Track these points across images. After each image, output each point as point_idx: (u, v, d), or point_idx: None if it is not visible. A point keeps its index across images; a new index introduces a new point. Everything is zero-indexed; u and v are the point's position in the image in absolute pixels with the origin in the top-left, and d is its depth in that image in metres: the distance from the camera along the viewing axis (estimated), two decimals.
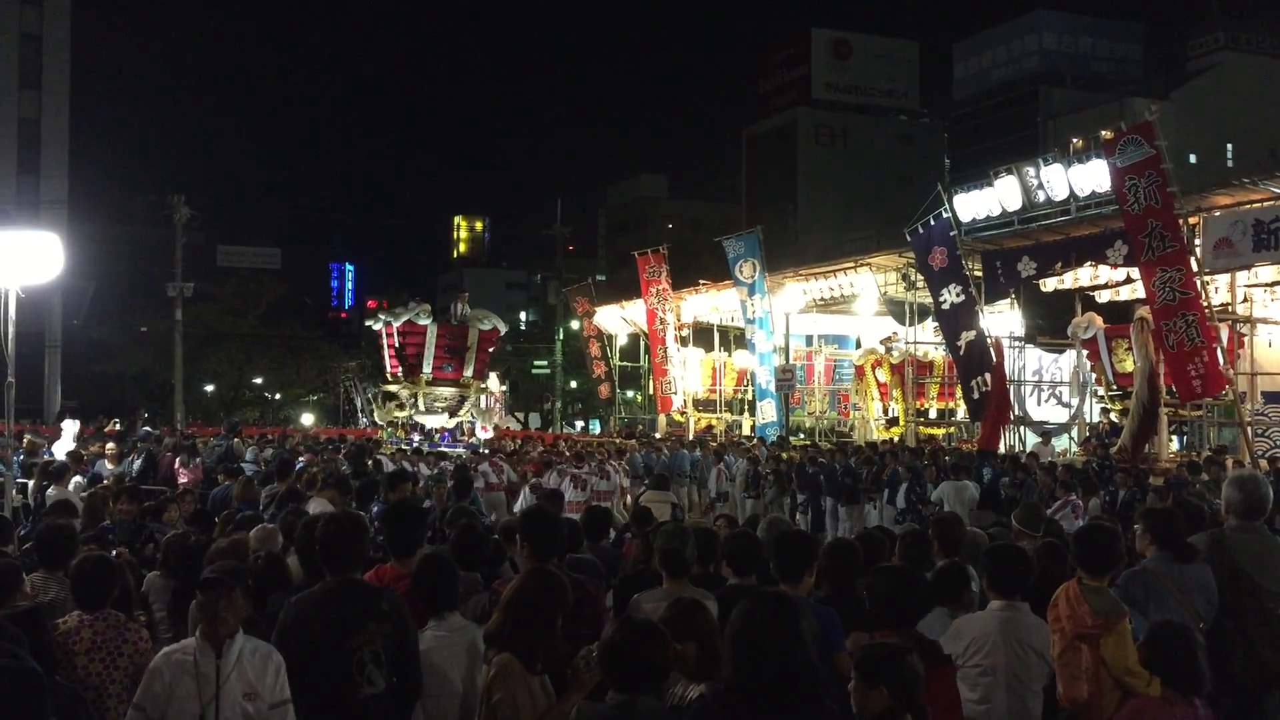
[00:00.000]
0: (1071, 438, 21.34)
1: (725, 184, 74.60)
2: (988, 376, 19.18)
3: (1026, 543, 6.20)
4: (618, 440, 25.66)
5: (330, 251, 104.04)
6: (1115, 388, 20.74)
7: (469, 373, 23.81)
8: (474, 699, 4.26)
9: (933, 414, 24.96)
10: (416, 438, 22.51)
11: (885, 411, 25.17)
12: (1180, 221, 15.84)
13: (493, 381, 29.01)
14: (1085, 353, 20.85)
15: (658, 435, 26.94)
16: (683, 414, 29.86)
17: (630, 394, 40.29)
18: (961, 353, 19.94)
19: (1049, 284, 21.53)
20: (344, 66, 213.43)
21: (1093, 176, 18.35)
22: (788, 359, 26.21)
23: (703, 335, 31.30)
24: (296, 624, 4.22)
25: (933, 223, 20.31)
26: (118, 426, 23.33)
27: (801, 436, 26.61)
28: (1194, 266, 15.83)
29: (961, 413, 23.10)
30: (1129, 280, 19.60)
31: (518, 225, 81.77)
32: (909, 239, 21.07)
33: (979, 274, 20.41)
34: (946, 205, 20.24)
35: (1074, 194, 18.86)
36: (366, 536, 4.49)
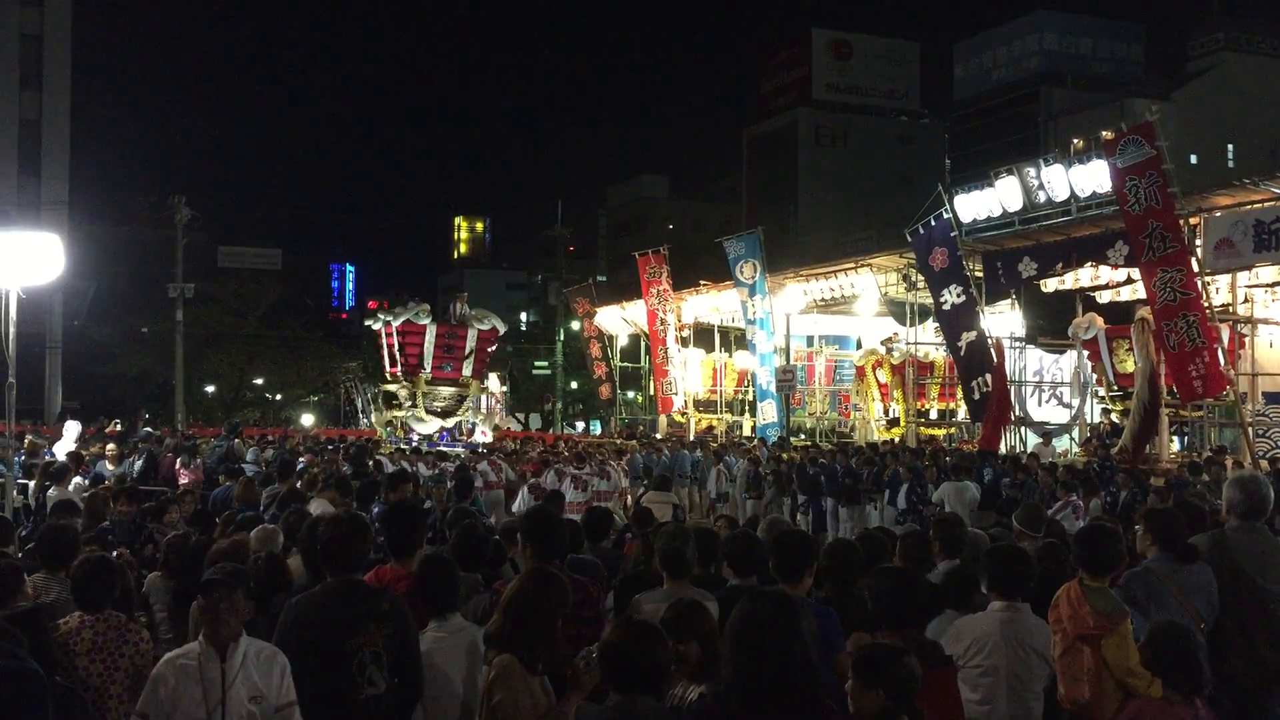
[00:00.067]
0: (1072, 438, 21.34)
1: (726, 185, 74.61)
2: (988, 377, 19.18)
3: (1027, 543, 6.20)
4: (618, 441, 25.67)
5: (331, 252, 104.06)
6: (1116, 388, 20.74)
7: (468, 372, 23.82)
8: (474, 700, 4.26)
9: (933, 414, 24.96)
10: (415, 436, 22.52)
11: (886, 412, 25.17)
12: (1181, 222, 15.85)
13: (493, 382, 29.05)
14: (1086, 353, 20.85)
15: (658, 436, 26.95)
16: (683, 415, 29.86)
17: (631, 395, 40.29)
18: (962, 353, 19.94)
19: (1050, 284, 21.53)
20: (345, 67, 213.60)
21: (1093, 177, 18.36)
22: (788, 360, 26.21)
23: (703, 336, 31.31)
24: (297, 625, 4.22)
25: (933, 223, 20.31)
26: (118, 427, 23.34)
27: (802, 437, 26.61)
28: (1195, 267, 15.83)
29: (962, 413, 23.10)
30: (1130, 281, 19.60)
31: (518, 226, 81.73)
32: (909, 239, 21.08)
33: (980, 274, 20.42)
34: (947, 206, 20.25)
35: (1075, 194, 18.87)
36: (367, 537, 4.47)
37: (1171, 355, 15.88)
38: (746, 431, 27.90)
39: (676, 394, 29.20)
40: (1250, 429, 16.71)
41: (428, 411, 23.54)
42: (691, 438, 25.88)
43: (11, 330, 9.58)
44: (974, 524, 9.37)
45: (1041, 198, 19.49)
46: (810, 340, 30.29)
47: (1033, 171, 19.69)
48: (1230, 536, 5.15)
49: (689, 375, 29.63)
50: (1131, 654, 4.27)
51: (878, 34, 72.29)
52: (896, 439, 22.41)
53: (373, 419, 26.91)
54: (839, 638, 4.39)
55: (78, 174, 43.66)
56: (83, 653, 4.55)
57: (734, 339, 30.78)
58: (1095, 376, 21.26)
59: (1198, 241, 16.46)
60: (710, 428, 29.48)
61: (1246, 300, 19.51)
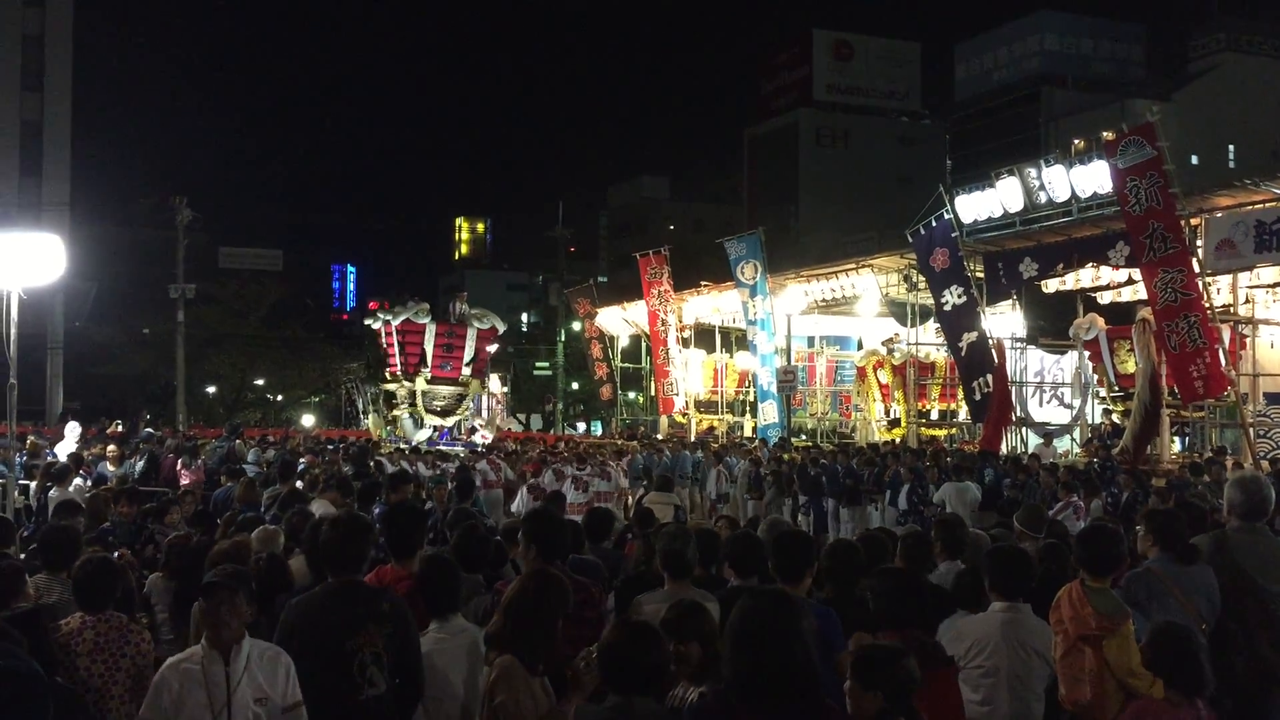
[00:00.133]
0: (1073, 439, 21.33)
1: (726, 185, 74.56)
2: (989, 378, 19.18)
3: (1029, 544, 6.20)
4: (620, 442, 25.67)
5: (332, 253, 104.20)
6: (1117, 389, 20.73)
7: (467, 371, 23.83)
8: (475, 701, 4.26)
9: (934, 415, 24.94)
10: (414, 437, 22.53)
11: (887, 413, 25.16)
12: (1182, 223, 15.85)
13: (494, 383, 29.06)
14: (1087, 354, 20.84)
15: (659, 437, 26.95)
16: (684, 415, 29.86)
17: (632, 395, 40.29)
18: (963, 354, 19.94)
19: (1051, 285, 21.53)
20: (346, 68, 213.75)
21: (1094, 178, 18.36)
22: (789, 360, 26.20)
23: (704, 337, 31.31)
24: (297, 625, 4.22)
25: (934, 224, 20.31)
26: (120, 428, 23.36)
27: (803, 438, 26.59)
28: (1196, 267, 15.83)
29: (963, 414, 23.10)
30: (1131, 281, 19.60)
31: (519, 227, 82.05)
32: (910, 240, 21.08)
33: (980, 275, 20.42)
34: (948, 206, 20.25)
35: (1075, 195, 18.87)
36: (368, 538, 4.46)
37: (1173, 356, 15.87)
38: (748, 432, 27.90)
39: (677, 395, 29.20)
40: (1251, 429, 16.70)
41: (427, 411, 23.54)
42: (692, 438, 25.88)
43: (13, 331, 9.59)
44: (975, 525, 9.37)
45: (1042, 198, 19.49)
46: (811, 341, 30.29)
47: (1034, 172, 19.69)
48: (1231, 537, 5.15)
49: (690, 376, 29.63)
50: (1133, 655, 4.27)
51: (879, 35, 72.29)
52: (897, 440, 22.39)
53: (369, 421, 26.88)
54: (839, 638, 4.39)
55: (79, 175, 43.79)
56: (84, 653, 4.55)
57: (735, 340, 30.78)
58: (1096, 377, 21.25)
59: (1199, 242, 16.46)
60: (711, 428, 29.47)
61: (1248, 301, 19.51)
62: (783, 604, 3.22)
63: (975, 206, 20.70)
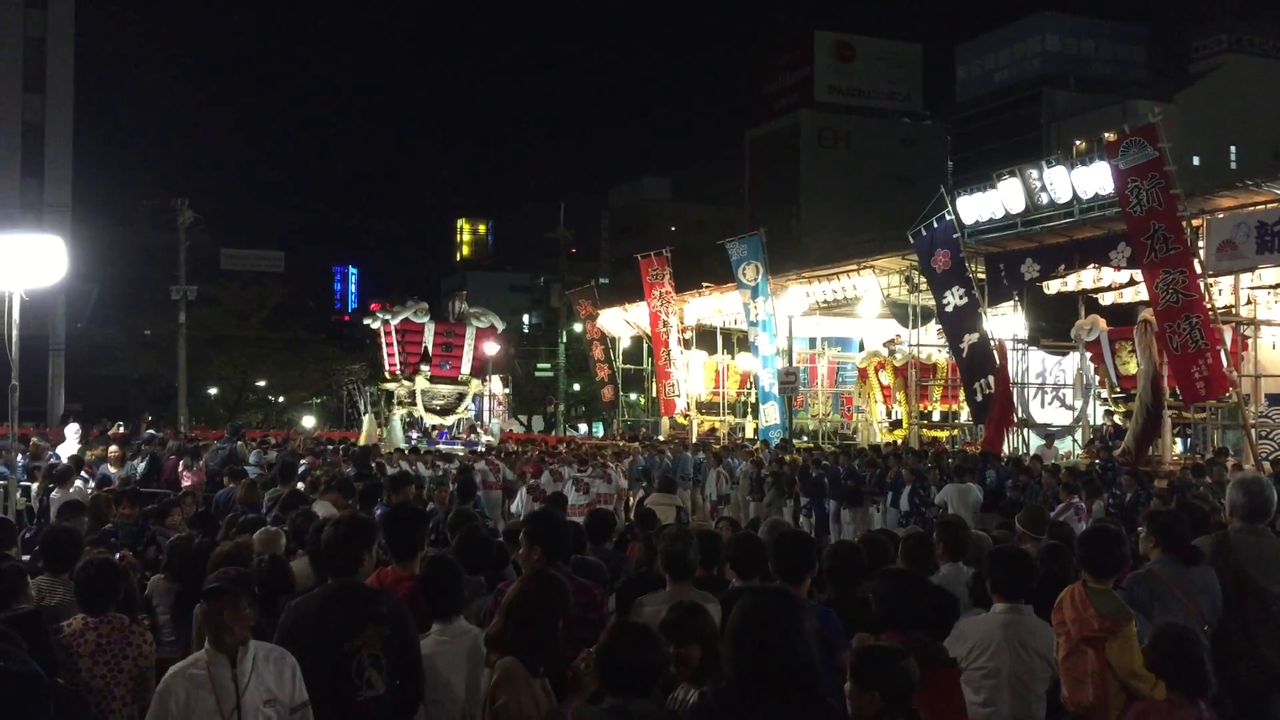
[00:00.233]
0: (1075, 440, 21.31)
1: (728, 187, 74.56)
2: (991, 379, 19.17)
3: (1030, 545, 6.19)
4: (621, 443, 25.68)
5: (333, 254, 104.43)
6: (1119, 390, 20.72)
7: (466, 370, 23.84)
8: (476, 702, 4.25)
9: (936, 416, 24.94)
10: (414, 435, 22.55)
11: (888, 414, 25.15)
12: (1183, 223, 15.83)
13: (496, 384, 29.09)
14: (1089, 355, 20.83)
15: (660, 438, 26.95)
16: (686, 417, 29.85)
17: (633, 397, 40.30)
18: (964, 355, 19.93)
19: (1052, 286, 21.51)
20: (348, 70, 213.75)
21: (1096, 179, 18.34)
22: (791, 361, 26.20)
23: (706, 338, 31.30)
24: (296, 627, 4.21)
25: (936, 225, 20.30)
26: (121, 429, 23.37)
27: (805, 439, 26.59)
28: (1197, 269, 15.82)
29: (965, 415, 23.09)
30: (1132, 283, 19.57)
31: (521, 228, 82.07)
32: (912, 241, 21.07)
33: (982, 276, 20.41)
34: (949, 207, 20.24)
35: (1077, 196, 18.86)
36: (365, 539, 4.41)
37: (1174, 357, 15.86)
38: (749, 434, 27.89)
39: (679, 396, 29.20)
40: (1253, 431, 16.68)
41: (427, 410, 23.57)
42: (694, 440, 25.90)
43: (14, 333, 9.59)
44: (977, 526, 9.37)
45: (1044, 199, 19.47)
46: (812, 342, 30.28)
47: (1035, 173, 19.68)
48: (1233, 538, 5.14)
49: (691, 377, 29.62)
50: (1135, 656, 4.27)
51: (880, 36, 72.34)
52: (899, 441, 22.38)
53: (365, 425, 26.83)
54: (840, 639, 4.38)
55: (81, 176, 43.78)
56: (86, 655, 4.55)
57: (736, 341, 30.77)
58: (1098, 378, 21.24)
59: (1200, 243, 16.44)
60: (713, 430, 29.47)
61: (1249, 302, 19.49)
62: (784, 602, 3.22)
63: (977, 207, 20.69)
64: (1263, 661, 4.92)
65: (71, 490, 11.04)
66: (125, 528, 8.40)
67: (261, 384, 50.69)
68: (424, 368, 23.71)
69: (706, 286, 29.41)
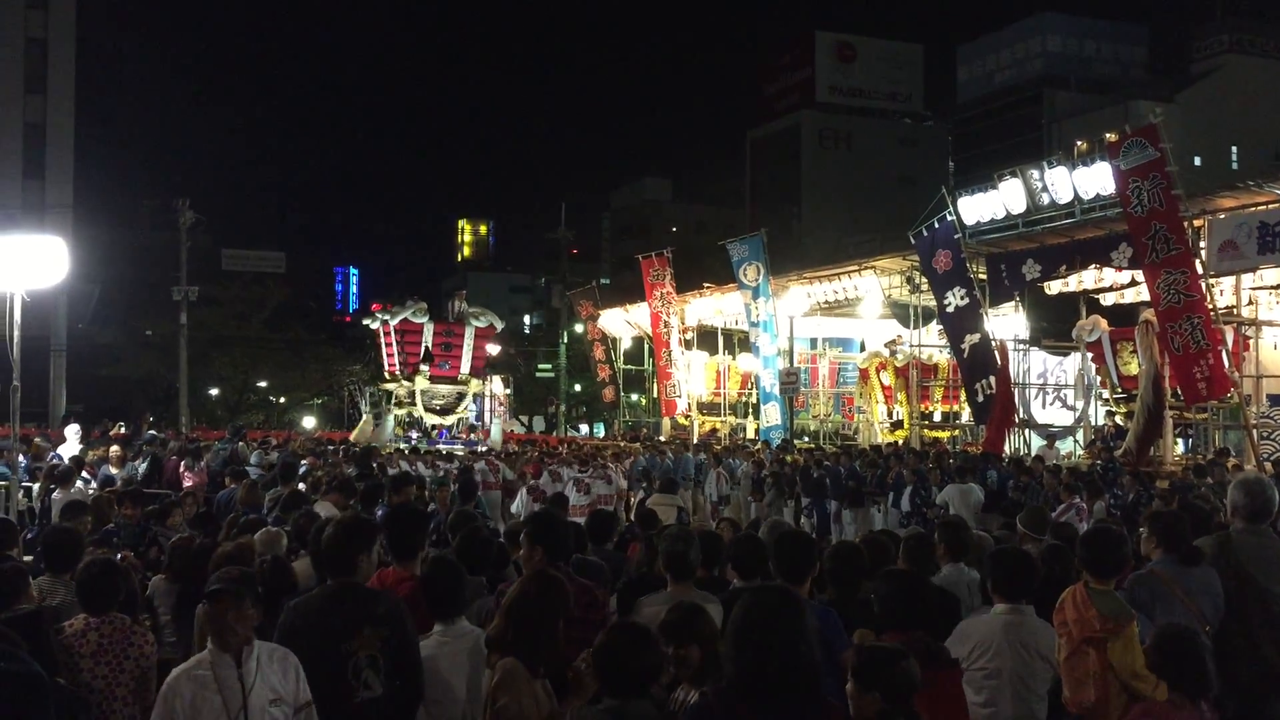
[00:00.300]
0: (1076, 441, 21.30)
1: (729, 187, 74.59)
2: (992, 379, 19.16)
3: (1032, 546, 6.18)
4: (622, 444, 25.68)
5: (334, 255, 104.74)
6: (1120, 390, 20.70)
7: (466, 370, 23.86)
8: (477, 703, 4.25)
9: (937, 417, 24.93)
10: (414, 435, 22.56)
11: (889, 414, 25.14)
12: (1185, 224, 15.83)
13: (497, 385, 29.11)
14: (1090, 355, 20.82)
15: (662, 439, 26.95)
16: (687, 417, 29.85)
17: (634, 397, 40.31)
18: (965, 355, 19.92)
19: (1053, 287, 21.50)
20: (349, 71, 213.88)
21: (1097, 179, 18.34)
22: (792, 362, 26.20)
23: (707, 338, 31.30)
24: (295, 627, 4.21)
25: (937, 225, 20.30)
26: (123, 430, 23.37)
27: (806, 440, 26.58)
28: (1199, 269, 15.81)
29: (966, 416, 23.08)
30: (1134, 283, 19.57)
31: (522, 229, 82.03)
32: (913, 242, 21.07)
33: (983, 276, 20.40)
34: (951, 208, 20.24)
35: (1078, 197, 18.85)
36: (366, 540, 4.39)
37: (1176, 357, 15.85)
38: (750, 434, 27.89)
39: (680, 397, 29.20)
40: (1255, 431, 16.67)
41: (427, 409, 23.59)
42: (695, 440, 25.90)
43: (16, 333, 9.59)
44: (978, 526, 9.36)
45: (1045, 200, 19.47)
46: (814, 343, 30.28)
47: (1036, 174, 19.67)
48: (1235, 539, 5.13)
49: (692, 378, 29.63)
50: (1137, 657, 4.26)
51: (881, 37, 72.35)
52: (900, 442, 22.38)
53: (362, 423, 26.81)
54: (841, 639, 4.38)
55: (82, 177, 43.81)
56: (88, 655, 4.56)
57: (737, 341, 30.77)
58: (1099, 379, 21.22)
59: (1201, 244, 16.43)
60: (714, 430, 29.47)
61: (1251, 302, 19.47)
62: (787, 601, 3.21)
63: (978, 208, 20.69)
64: (1264, 662, 4.92)
65: (73, 491, 11.04)
66: (127, 528, 8.40)
67: (262, 385, 50.70)
68: (424, 368, 23.72)
69: (707, 287, 29.41)
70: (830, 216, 61.39)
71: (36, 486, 12.59)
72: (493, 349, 28.14)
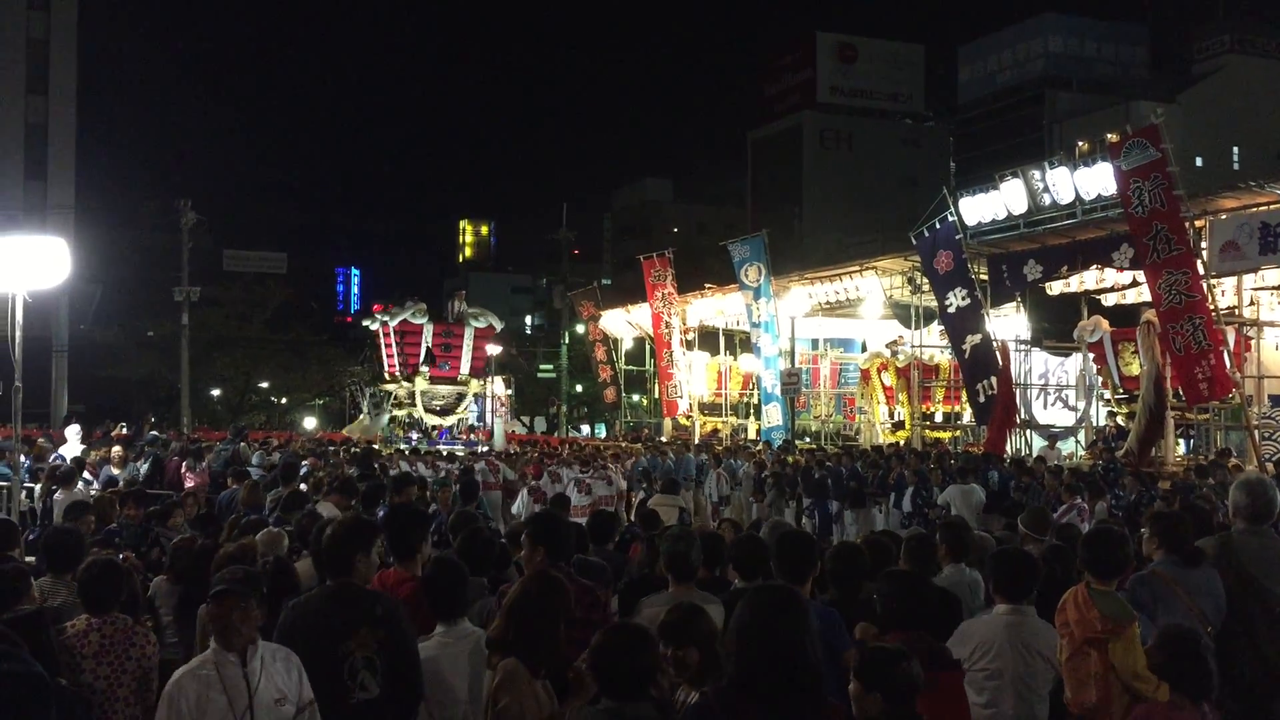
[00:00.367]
0: (1078, 441, 21.30)
1: (730, 188, 74.57)
2: (993, 380, 19.16)
3: (1033, 546, 6.18)
4: (623, 444, 25.68)
5: (336, 256, 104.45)
6: (1121, 391, 20.69)
7: (465, 370, 23.88)
8: (478, 704, 4.25)
9: (939, 418, 24.93)
10: (415, 436, 22.58)
11: (891, 415, 25.15)
12: (1186, 225, 15.83)
13: (499, 386, 29.14)
14: (1091, 356, 20.81)
15: (663, 439, 26.95)
16: (688, 418, 29.85)
17: (636, 398, 40.31)
18: (967, 356, 19.92)
19: (1055, 287, 21.50)
20: (350, 72, 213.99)
21: (1098, 180, 18.33)
22: (793, 362, 26.20)
23: (708, 339, 31.30)
24: (294, 627, 4.21)
25: (938, 226, 20.30)
26: (124, 431, 23.39)
27: (807, 440, 26.58)
28: (1200, 270, 15.80)
29: (967, 416, 23.08)
30: (1135, 284, 19.57)
31: (523, 229, 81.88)
32: (914, 242, 21.07)
33: (984, 277, 20.40)
34: (952, 209, 20.24)
35: (1080, 197, 18.85)
36: (362, 541, 4.37)
37: (1177, 358, 15.85)
38: (751, 435, 27.89)
39: (681, 397, 29.20)
40: (1256, 432, 16.66)
41: (427, 410, 23.61)
42: (696, 441, 25.90)
43: (18, 334, 9.59)
44: (980, 527, 9.36)
45: (1046, 200, 19.46)
46: (815, 343, 30.28)
47: (1037, 174, 19.67)
48: (1237, 540, 5.13)
49: (694, 378, 29.63)
50: (1138, 658, 4.26)
51: (882, 37, 72.29)
52: (901, 442, 22.38)
53: (359, 419, 26.74)
54: (843, 639, 4.38)
55: (84, 178, 43.85)
56: (90, 655, 4.56)
57: (739, 342, 30.78)
58: (1101, 379, 21.22)
59: (1203, 244, 16.43)
60: (715, 431, 29.47)
61: (1252, 303, 19.47)
62: (789, 599, 3.22)
63: (979, 209, 20.69)
64: (1266, 663, 4.92)
65: (74, 491, 11.04)
66: (130, 529, 8.40)
67: (264, 385, 50.71)
68: (424, 369, 23.74)
69: (709, 287, 29.41)
70: (831, 217, 61.35)
71: (38, 487, 12.58)
72: (494, 350, 28.12)
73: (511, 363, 42.68)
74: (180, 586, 6.37)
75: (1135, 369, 19.20)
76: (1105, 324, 20.55)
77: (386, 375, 24.80)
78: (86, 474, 13.67)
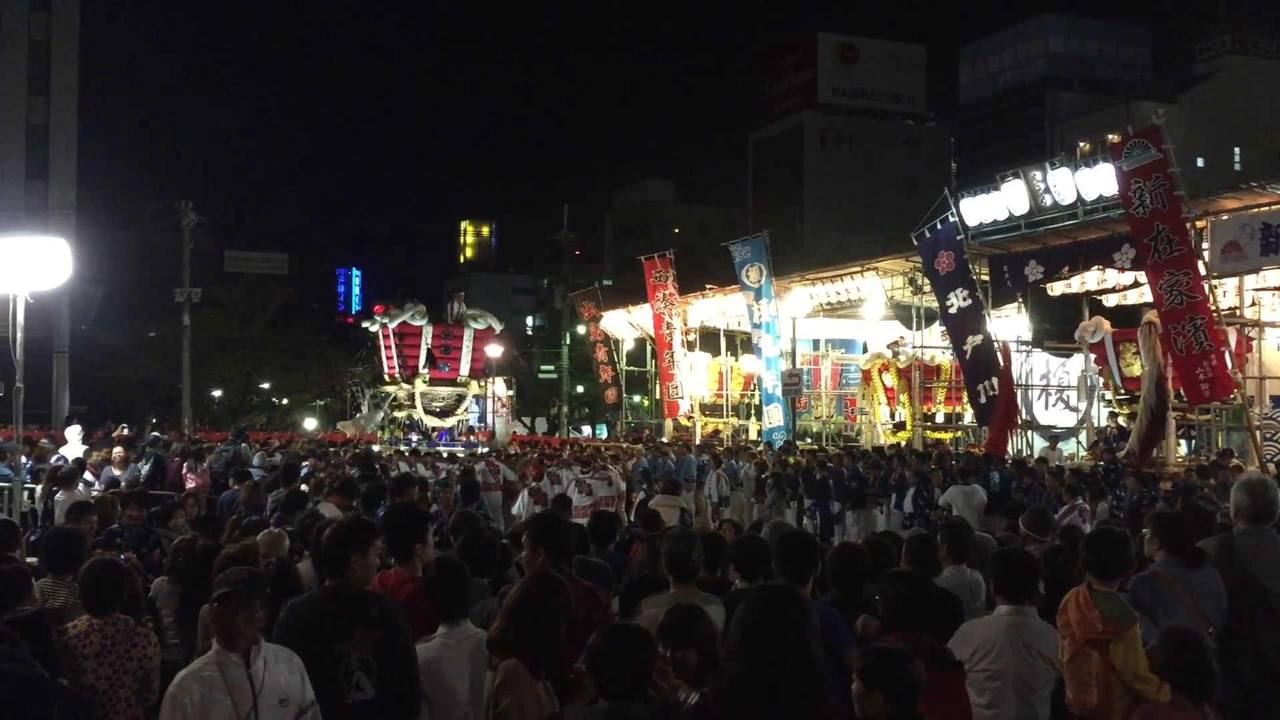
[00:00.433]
0: (1079, 442, 21.28)
1: (731, 189, 74.58)
2: (995, 380, 19.15)
3: (1034, 547, 6.18)
4: (624, 444, 25.68)
5: (337, 257, 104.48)
6: (1123, 392, 20.68)
7: (465, 372, 23.88)
8: (479, 705, 4.25)
9: (940, 418, 24.92)
10: (415, 438, 22.59)
11: (892, 416, 25.14)
12: (1187, 225, 15.82)
13: (500, 386, 29.14)
14: (1093, 357, 20.80)
15: (664, 440, 26.96)
16: (689, 419, 29.84)
17: (637, 398, 40.30)
18: (968, 357, 19.91)
19: (1056, 288, 21.49)
20: (351, 73, 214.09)
21: (1100, 180, 18.32)
22: (794, 363, 26.18)
23: (709, 340, 31.29)
24: (292, 627, 4.22)
25: (939, 227, 20.29)
26: (125, 432, 23.41)
27: (808, 441, 26.57)
28: (1201, 270, 15.80)
29: (969, 417, 23.07)
30: (1136, 284, 19.56)
31: (524, 230, 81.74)
32: (915, 243, 21.06)
33: (986, 278, 20.39)
34: (953, 209, 20.22)
35: (1081, 198, 18.83)
36: (358, 541, 4.36)
37: (1179, 358, 15.84)
38: (752, 435, 27.88)
39: (682, 398, 29.19)
40: (1258, 432, 16.65)
41: (426, 412, 23.62)
42: (698, 442, 25.90)
43: (19, 335, 9.60)
44: (982, 528, 9.36)
45: (1048, 201, 19.44)
46: (816, 344, 30.27)
47: (1039, 175, 19.65)
48: (1239, 541, 5.13)
49: (695, 379, 29.62)
50: (1140, 659, 4.26)
51: (884, 38, 72.31)
52: (903, 443, 22.38)
53: (356, 420, 26.68)
54: (844, 639, 4.38)
55: (85, 179, 43.88)
56: (91, 656, 4.56)
57: (740, 343, 30.76)
58: (1102, 380, 21.21)
59: (1204, 245, 16.42)
60: (716, 432, 29.46)
61: (1254, 304, 19.45)
62: (791, 599, 3.22)
63: (980, 209, 20.67)
64: (1268, 664, 4.91)
65: (75, 492, 11.04)
66: (131, 529, 8.40)
67: (265, 386, 50.72)
68: (424, 371, 23.76)
69: (710, 288, 29.40)
70: (832, 218, 61.36)
71: (39, 488, 12.59)
72: (496, 351, 28.11)
73: (513, 363, 42.70)
74: (181, 587, 6.37)
75: (1136, 370, 19.18)
76: (1106, 324, 20.53)
77: (386, 377, 24.81)
78: (88, 475, 13.69)
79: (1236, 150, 54.21)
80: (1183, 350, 15.60)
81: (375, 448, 22.25)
